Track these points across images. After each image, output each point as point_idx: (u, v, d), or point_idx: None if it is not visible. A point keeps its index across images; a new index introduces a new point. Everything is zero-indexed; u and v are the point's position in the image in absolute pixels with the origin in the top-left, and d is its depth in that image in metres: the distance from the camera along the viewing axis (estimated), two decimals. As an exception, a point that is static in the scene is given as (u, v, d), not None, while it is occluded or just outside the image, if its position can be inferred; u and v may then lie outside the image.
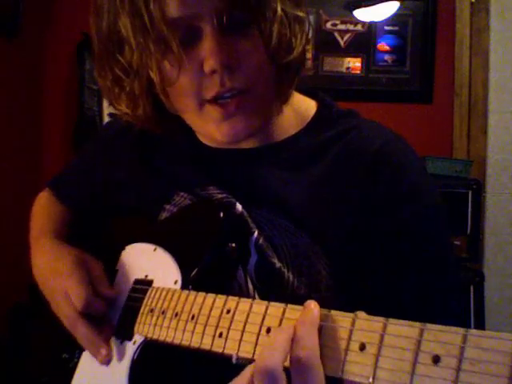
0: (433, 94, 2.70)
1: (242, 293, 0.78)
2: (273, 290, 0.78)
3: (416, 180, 0.78)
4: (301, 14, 0.76)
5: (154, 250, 0.84)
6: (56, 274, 0.88)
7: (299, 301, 0.78)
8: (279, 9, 0.72)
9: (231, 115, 0.74)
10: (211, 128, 0.77)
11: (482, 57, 2.68)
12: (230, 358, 0.61)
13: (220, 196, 0.83)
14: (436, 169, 2.36)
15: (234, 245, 0.77)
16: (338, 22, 2.70)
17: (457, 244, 2.26)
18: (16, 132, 2.37)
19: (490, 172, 2.68)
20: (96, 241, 1.00)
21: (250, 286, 0.79)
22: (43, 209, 1.06)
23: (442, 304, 0.75)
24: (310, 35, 0.79)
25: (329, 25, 2.69)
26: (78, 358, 0.89)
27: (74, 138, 2.56)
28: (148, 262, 0.85)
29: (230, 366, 0.62)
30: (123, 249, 0.92)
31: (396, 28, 2.71)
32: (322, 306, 0.56)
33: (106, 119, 2.57)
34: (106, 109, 2.58)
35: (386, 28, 2.71)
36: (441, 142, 2.68)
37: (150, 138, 0.92)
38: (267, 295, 0.78)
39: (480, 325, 2.24)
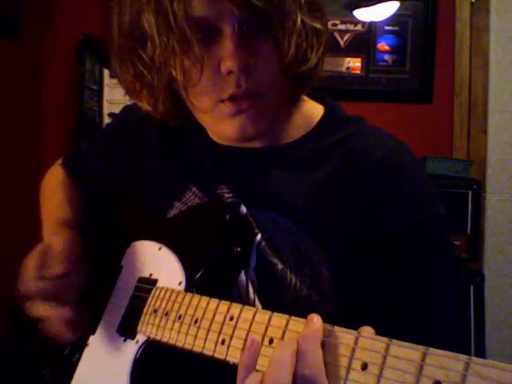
0: (433, 94, 2.69)
1: (241, 295, 0.78)
2: (274, 291, 0.78)
3: (419, 187, 0.78)
4: (319, 26, 0.77)
5: (159, 249, 0.85)
6: None
7: (301, 302, 0.78)
8: (299, 20, 0.73)
9: (243, 111, 0.75)
10: (221, 124, 0.77)
11: (482, 57, 2.68)
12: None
13: (227, 195, 0.83)
14: (436, 169, 2.36)
15: (239, 249, 0.77)
16: (338, 21, 2.69)
17: (457, 244, 2.26)
18: (16, 132, 2.36)
19: (490, 172, 2.67)
20: (102, 236, 1.01)
21: (250, 289, 0.79)
22: (58, 190, 1.06)
23: (441, 306, 0.75)
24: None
25: (329, 25, 2.68)
26: (80, 353, 0.89)
27: (74, 138, 2.55)
28: (153, 261, 0.85)
29: (231, 367, 0.62)
30: (129, 245, 0.92)
31: (396, 28, 2.71)
32: (323, 306, 0.56)
33: (106, 119, 2.57)
34: (106, 109, 2.58)
35: (386, 28, 2.71)
36: (441, 142, 2.67)
37: (175, 127, 0.92)
38: (268, 297, 0.78)
39: (480, 325, 2.24)
